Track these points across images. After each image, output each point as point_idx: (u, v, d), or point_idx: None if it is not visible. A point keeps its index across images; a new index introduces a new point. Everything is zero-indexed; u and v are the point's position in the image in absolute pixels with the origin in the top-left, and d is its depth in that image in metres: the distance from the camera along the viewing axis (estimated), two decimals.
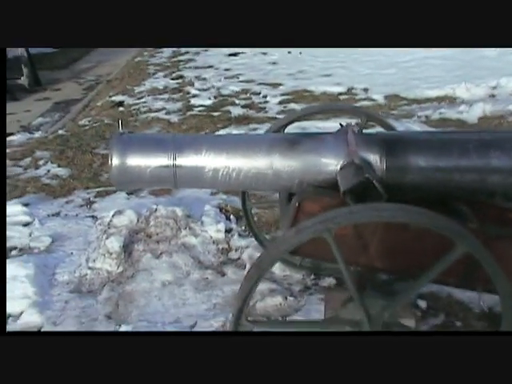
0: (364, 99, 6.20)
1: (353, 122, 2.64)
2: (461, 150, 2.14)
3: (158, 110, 7.06)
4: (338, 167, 2.10)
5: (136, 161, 2.10)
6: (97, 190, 4.63)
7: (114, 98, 8.30)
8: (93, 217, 4.06)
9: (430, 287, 2.84)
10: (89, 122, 7.19)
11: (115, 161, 2.09)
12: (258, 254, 3.19)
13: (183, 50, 12.07)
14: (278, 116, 6.24)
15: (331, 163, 2.11)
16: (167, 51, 12.35)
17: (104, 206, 4.24)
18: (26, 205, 4.32)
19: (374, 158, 2.12)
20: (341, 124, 2.50)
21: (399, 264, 2.17)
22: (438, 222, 1.75)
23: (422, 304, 2.71)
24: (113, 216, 3.62)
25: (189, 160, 2.11)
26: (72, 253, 3.54)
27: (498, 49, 7.51)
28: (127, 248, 3.36)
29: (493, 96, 5.81)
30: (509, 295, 1.80)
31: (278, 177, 2.12)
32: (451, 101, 5.85)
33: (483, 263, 1.77)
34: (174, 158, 2.10)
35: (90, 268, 3.28)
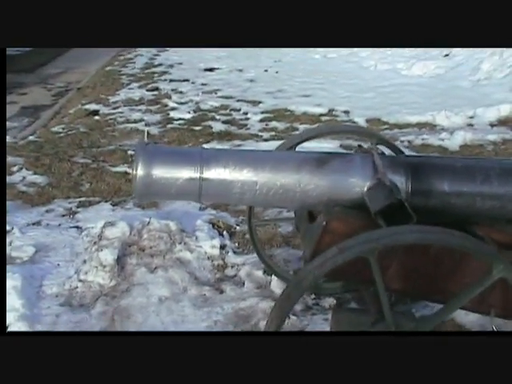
0: (346, 121, 6.28)
1: (364, 144, 2.66)
2: (483, 176, 2.18)
3: (136, 121, 6.96)
4: (365, 188, 2.09)
5: (162, 172, 2.04)
6: (79, 199, 4.49)
7: (87, 107, 8.14)
8: (77, 227, 3.92)
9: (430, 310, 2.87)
10: (63, 129, 7.00)
11: (140, 172, 2.02)
12: (257, 272, 3.22)
13: (156, 61, 12.01)
14: (259, 133, 6.26)
15: (358, 184, 2.10)
16: (139, 62, 12.25)
17: (88, 217, 4.10)
18: None
19: (400, 181, 2.13)
20: (359, 145, 2.51)
21: (415, 286, 2.18)
22: (480, 247, 1.77)
23: None
24: (103, 227, 3.50)
25: (216, 174, 2.06)
26: (59, 264, 3.40)
27: (472, 80, 7.79)
28: (120, 261, 3.25)
29: (471, 125, 6.00)
30: None
31: (305, 195, 2.10)
32: (431, 127, 6.00)
33: None
34: (201, 172, 2.04)
35: (80, 280, 3.15)
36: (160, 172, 2.04)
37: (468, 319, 2.75)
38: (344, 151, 3.79)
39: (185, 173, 2.05)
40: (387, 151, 2.82)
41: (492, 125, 6.04)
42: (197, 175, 2.05)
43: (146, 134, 2.13)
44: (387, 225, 1.92)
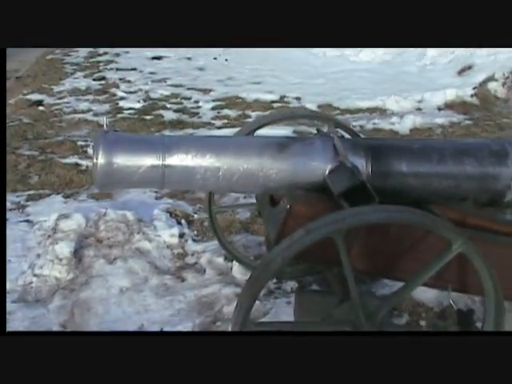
0: (298, 107, 6.32)
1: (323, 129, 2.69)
2: (439, 156, 2.24)
3: (83, 112, 6.75)
4: (327, 171, 2.11)
5: (124, 160, 1.98)
6: (27, 193, 4.33)
7: (29, 97, 7.83)
8: (28, 221, 3.79)
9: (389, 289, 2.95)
10: None
11: (101, 160, 1.96)
12: (218, 259, 3.21)
13: (101, 50, 11.68)
14: (212, 121, 6.22)
15: (320, 167, 2.12)
16: (82, 50, 11.88)
17: (39, 210, 3.97)
18: None
19: (360, 163, 2.16)
20: (318, 129, 2.53)
21: (377, 266, 2.23)
22: (440, 223, 1.82)
23: None
24: (57, 220, 3.40)
25: (178, 160, 2.03)
26: (10, 260, 3.28)
27: (419, 65, 7.99)
28: (77, 253, 3.17)
29: (419, 109, 6.16)
30: (496, 296, 1.90)
31: (267, 179, 2.10)
32: (382, 112, 6.12)
33: (476, 263, 1.85)
34: (164, 159, 2.01)
35: (35, 275, 3.05)
36: (122, 160, 1.99)
37: (426, 296, 2.84)
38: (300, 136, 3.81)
39: (147, 160, 2.01)
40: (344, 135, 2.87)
41: (439, 108, 6.24)
42: (159, 162, 2.01)
43: (105, 121, 2.07)
44: (350, 206, 1.94)
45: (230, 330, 1.86)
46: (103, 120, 2.10)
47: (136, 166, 2.00)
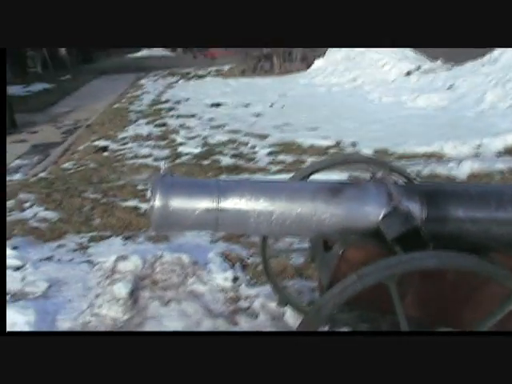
0: (351, 153, 6.32)
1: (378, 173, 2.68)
2: (497, 202, 2.19)
3: (144, 157, 7.04)
4: (381, 216, 2.10)
5: (179, 203, 2.05)
6: (90, 234, 4.51)
7: (96, 143, 8.26)
8: (89, 262, 3.93)
9: None
10: (73, 165, 7.09)
11: (158, 203, 2.03)
12: (271, 304, 3.20)
13: (163, 98, 12.21)
14: (268, 167, 6.30)
15: (373, 212, 2.11)
16: (146, 99, 12.45)
17: (100, 251, 4.12)
18: (14, 248, 4.17)
19: (415, 208, 2.13)
20: (372, 174, 2.53)
21: (432, 314, 2.17)
22: (501, 272, 1.77)
23: None
24: (116, 261, 3.51)
25: (232, 204, 2.08)
26: (70, 300, 3.40)
27: (476, 110, 7.86)
28: (133, 294, 3.25)
29: (478, 155, 6.03)
30: None
31: (321, 224, 2.10)
32: (439, 158, 6.03)
33: None
34: (218, 202, 2.06)
35: (94, 315, 3.14)
36: (178, 203, 2.05)
37: None
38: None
39: (202, 204, 2.07)
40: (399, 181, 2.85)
41: (499, 154, 6.07)
42: (214, 206, 2.06)
43: (162, 165, 2.16)
44: (404, 252, 1.92)
45: None
46: (162, 165, 2.19)
47: (191, 209, 2.06)
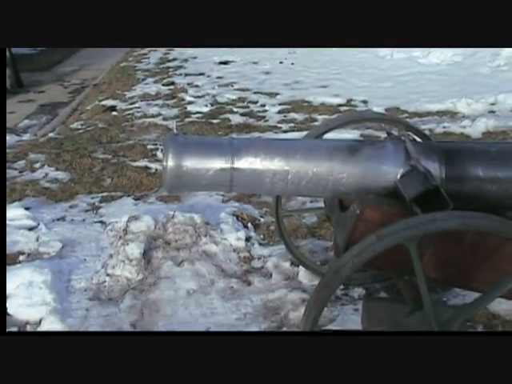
0: (366, 111, 6.22)
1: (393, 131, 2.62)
2: None
3: (153, 116, 6.95)
4: (399, 175, 2.06)
5: (193, 163, 2.01)
6: (101, 195, 4.50)
7: (104, 103, 8.17)
8: (101, 222, 3.93)
9: (462, 299, 2.84)
10: (81, 125, 7.03)
11: (171, 163, 1.99)
12: (284, 264, 3.20)
13: (171, 56, 12.00)
14: (278, 125, 6.22)
15: (391, 171, 2.07)
16: (154, 57, 12.25)
17: (111, 212, 4.11)
18: (27, 208, 4.17)
19: (434, 167, 2.09)
20: (388, 133, 2.47)
21: (450, 275, 2.15)
22: None
23: None
24: (128, 221, 3.51)
25: (247, 164, 2.04)
26: (85, 259, 3.41)
27: (492, 66, 7.67)
28: (146, 255, 3.26)
29: (492, 112, 5.91)
30: None
31: (338, 183, 2.07)
32: (452, 115, 5.92)
33: None
34: (232, 162, 2.02)
35: (108, 275, 3.16)
36: (191, 163, 2.02)
37: (502, 307, 2.71)
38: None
39: (216, 163, 2.03)
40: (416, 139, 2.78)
41: None
42: (228, 165, 2.03)
43: (174, 125, 2.11)
44: (423, 212, 1.88)
45: None
46: (172, 124, 2.14)
47: (205, 169, 2.03)
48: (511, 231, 1.72)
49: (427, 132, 5.42)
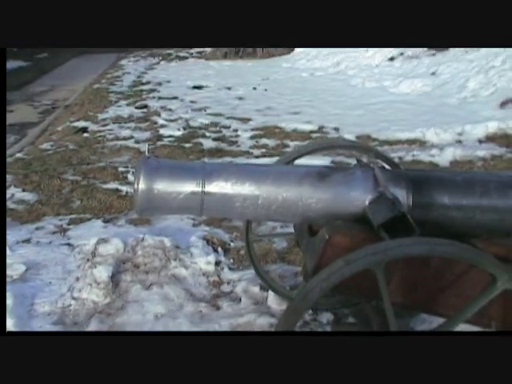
0: (337, 138, 6.32)
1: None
2: (483, 189, 2.19)
3: (125, 139, 6.94)
4: (367, 201, 2.09)
5: (164, 186, 2.01)
6: (69, 217, 4.43)
7: (75, 124, 8.11)
8: (69, 245, 3.86)
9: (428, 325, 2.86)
10: (51, 146, 6.96)
11: (142, 185, 1.99)
12: (253, 288, 3.19)
13: (144, 79, 12.04)
14: (250, 150, 6.26)
15: (360, 197, 2.10)
16: (127, 80, 12.26)
17: (80, 234, 4.05)
18: None
19: (401, 194, 2.12)
20: (358, 160, 2.51)
21: (416, 300, 2.17)
22: (485, 258, 1.77)
23: None
24: (96, 244, 3.46)
25: (218, 188, 2.04)
26: (51, 282, 3.34)
27: (459, 97, 7.90)
28: (114, 278, 3.21)
29: (460, 141, 6.07)
30: None
31: (307, 208, 2.08)
32: (421, 144, 6.05)
33: None
34: (203, 186, 2.03)
35: (74, 298, 3.09)
36: (162, 186, 2.02)
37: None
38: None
39: (187, 187, 2.03)
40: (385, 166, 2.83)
41: (480, 141, 6.12)
42: (199, 189, 2.03)
43: (146, 148, 2.11)
44: (390, 238, 1.91)
45: None
46: (144, 147, 2.15)
47: (176, 193, 2.02)
48: (475, 258, 1.76)
49: (397, 160, 5.54)
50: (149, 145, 2.16)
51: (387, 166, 2.78)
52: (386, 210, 1.99)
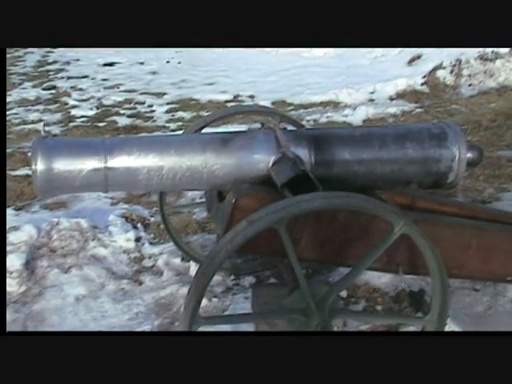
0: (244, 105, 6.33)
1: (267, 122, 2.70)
2: (381, 142, 2.28)
3: (34, 122, 6.60)
4: (270, 163, 2.13)
5: (64, 165, 1.96)
6: None
7: None
8: None
9: None
10: None
11: (40, 166, 1.93)
12: (175, 260, 3.19)
13: (50, 59, 11.45)
14: (166, 125, 6.17)
15: (263, 159, 2.13)
16: (30, 60, 11.61)
17: None
18: None
19: (303, 153, 2.18)
20: (262, 123, 2.54)
21: (327, 254, 2.25)
22: (381, 206, 1.85)
23: (343, 293, 2.81)
24: (7, 233, 3.32)
25: (121, 162, 2.01)
26: None
27: (370, 57, 8.12)
28: (29, 265, 3.10)
29: (372, 100, 6.26)
30: (440, 274, 1.93)
31: (212, 175, 2.10)
32: (335, 105, 6.19)
33: (419, 243, 1.89)
34: (105, 161, 1.99)
35: None
36: (61, 165, 1.96)
37: (381, 281, 2.89)
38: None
39: (88, 164, 1.99)
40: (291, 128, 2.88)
41: (391, 98, 6.35)
42: (101, 165, 1.99)
43: (42, 127, 2.04)
44: (294, 196, 1.96)
45: (180, 328, 1.85)
46: (40, 127, 2.07)
47: (77, 170, 1.98)
48: (371, 207, 1.84)
49: (312, 122, 5.66)
50: (44, 124, 2.08)
51: (293, 128, 2.84)
52: (289, 169, 2.04)
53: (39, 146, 1.98)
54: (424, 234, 1.89)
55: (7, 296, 2.92)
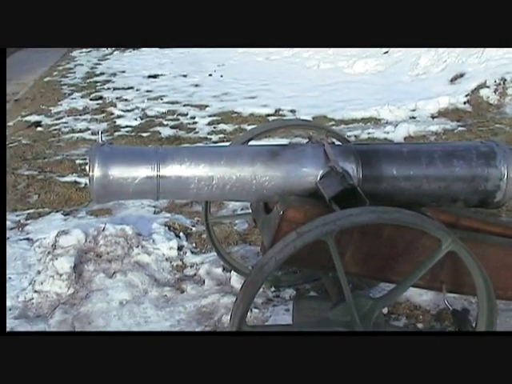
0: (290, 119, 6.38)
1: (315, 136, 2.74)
2: (428, 159, 2.29)
3: (81, 131, 6.83)
4: (318, 177, 2.16)
5: (119, 172, 2.04)
6: (27, 212, 4.37)
7: (28, 118, 7.91)
8: (28, 239, 3.82)
9: None
10: None
11: (97, 172, 2.02)
12: (216, 270, 3.24)
13: (98, 71, 11.81)
14: (208, 136, 6.28)
15: (311, 173, 2.17)
16: (80, 72, 12.00)
17: (39, 228, 4.01)
18: None
19: (351, 168, 2.20)
20: (309, 137, 2.58)
21: (371, 269, 2.26)
22: (430, 223, 1.86)
23: (384, 309, 2.80)
24: (56, 236, 3.44)
25: (172, 171, 2.08)
26: (10, 277, 3.31)
27: (411, 75, 8.08)
28: (77, 269, 3.20)
29: (413, 117, 6.23)
30: (487, 294, 1.92)
31: (261, 187, 2.14)
32: (376, 122, 6.19)
33: (466, 261, 1.89)
34: (158, 169, 2.06)
35: (36, 291, 3.08)
36: (117, 172, 2.04)
37: (422, 299, 2.87)
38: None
39: (142, 171, 2.07)
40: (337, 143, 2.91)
41: (433, 116, 6.30)
42: (154, 173, 2.07)
43: (99, 135, 2.13)
44: (342, 210, 1.98)
45: None
46: (98, 135, 2.16)
47: (131, 178, 2.05)
48: (420, 223, 1.85)
49: (353, 138, 5.66)
50: (102, 132, 2.18)
51: (338, 143, 2.86)
52: (337, 183, 2.07)
53: (97, 153, 2.07)
54: (471, 251, 1.89)
55: (56, 297, 3.03)
